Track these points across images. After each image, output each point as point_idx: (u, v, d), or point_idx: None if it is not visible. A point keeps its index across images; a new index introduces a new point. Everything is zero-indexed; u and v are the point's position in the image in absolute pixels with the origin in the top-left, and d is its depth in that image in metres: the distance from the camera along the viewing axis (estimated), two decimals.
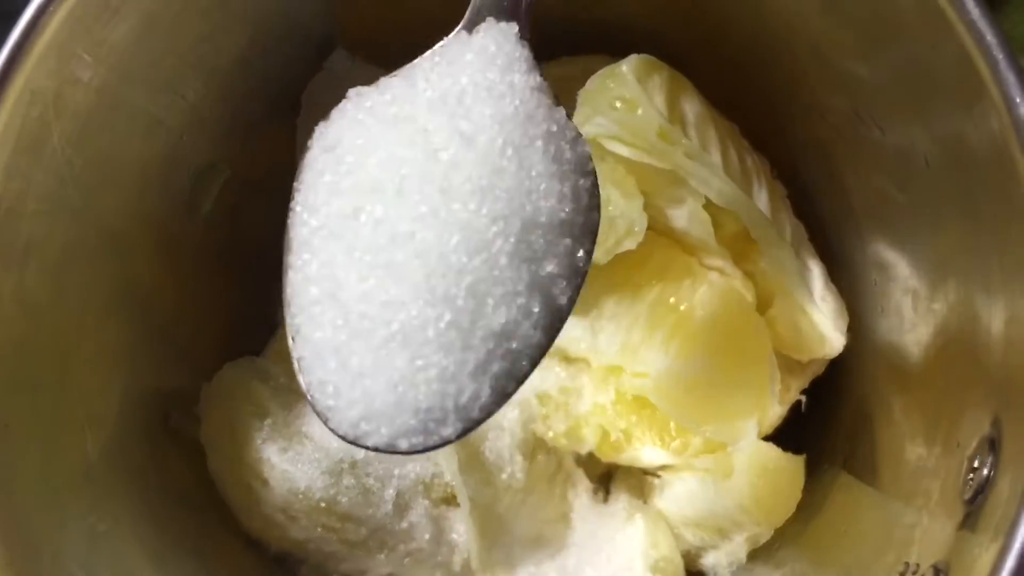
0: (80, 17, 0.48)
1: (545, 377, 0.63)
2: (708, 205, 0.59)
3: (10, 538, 0.46)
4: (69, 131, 0.49)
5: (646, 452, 0.64)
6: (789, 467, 0.62)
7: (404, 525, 0.60)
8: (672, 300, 0.61)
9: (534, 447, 0.64)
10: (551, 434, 0.63)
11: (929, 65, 0.47)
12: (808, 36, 0.56)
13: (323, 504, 0.58)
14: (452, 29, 0.45)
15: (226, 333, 0.67)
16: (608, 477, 0.69)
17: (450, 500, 0.62)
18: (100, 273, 0.55)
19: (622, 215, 0.57)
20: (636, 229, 0.58)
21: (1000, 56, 0.43)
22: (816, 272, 0.63)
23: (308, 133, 0.64)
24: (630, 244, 0.58)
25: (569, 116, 0.57)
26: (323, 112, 0.63)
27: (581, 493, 0.65)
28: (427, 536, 0.60)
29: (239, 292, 0.68)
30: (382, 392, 0.40)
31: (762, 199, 0.61)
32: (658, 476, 0.66)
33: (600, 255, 0.59)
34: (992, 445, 0.44)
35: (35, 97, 0.47)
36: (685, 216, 0.60)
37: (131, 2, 0.50)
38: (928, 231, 0.53)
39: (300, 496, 0.58)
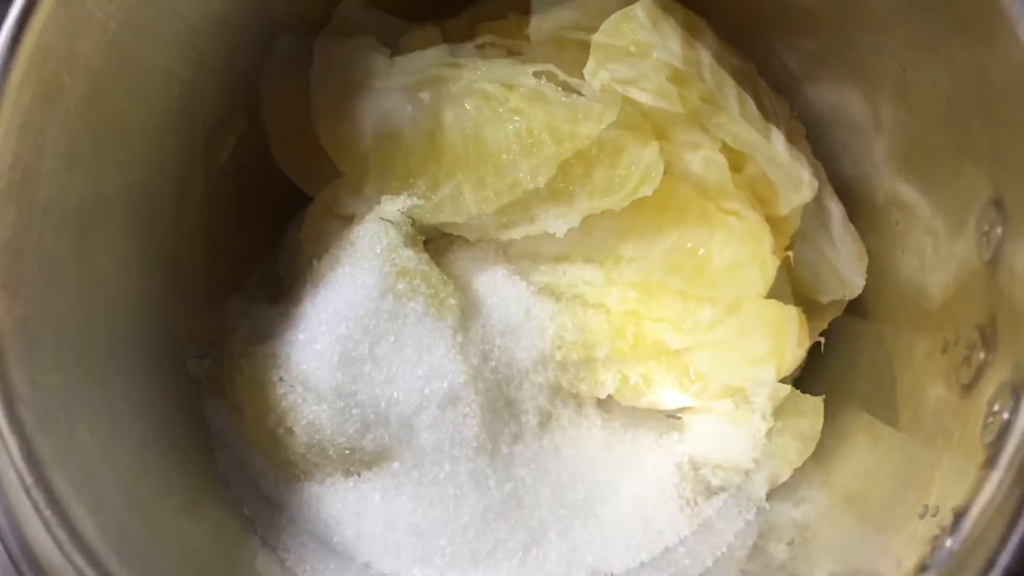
0: None
1: (563, 323, 0.64)
2: (724, 149, 0.58)
3: (44, 492, 0.46)
4: (82, 86, 0.49)
5: (666, 395, 0.64)
6: (808, 408, 0.63)
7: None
8: (690, 245, 0.61)
9: (554, 392, 0.64)
10: (571, 379, 0.63)
11: None
12: None
13: (347, 451, 0.59)
14: None
15: (246, 282, 0.67)
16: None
17: None
18: (120, 228, 0.55)
19: (637, 161, 0.57)
20: (652, 175, 0.57)
21: None
22: (835, 213, 0.63)
23: (321, 83, 0.64)
24: (646, 190, 0.58)
25: (583, 61, 0.57)
26: (335, 62, 0.63)
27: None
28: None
29: (258, 242, 0.69)
30: None
31: (780, 141, 0.60)
32: (679, 418, 0.67)
33: (617, 201, 0.58)
34: (1013, 389, 0.44)
35: (47, 53, 0.47)
36: (701, 160, 0.59)
37: None
38: (949, 171, 0.53)
39: (325, 443, 0.59)
